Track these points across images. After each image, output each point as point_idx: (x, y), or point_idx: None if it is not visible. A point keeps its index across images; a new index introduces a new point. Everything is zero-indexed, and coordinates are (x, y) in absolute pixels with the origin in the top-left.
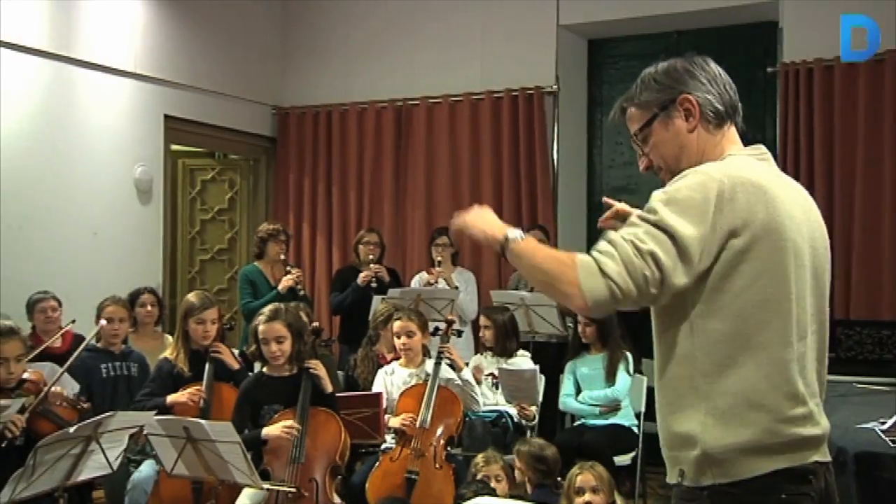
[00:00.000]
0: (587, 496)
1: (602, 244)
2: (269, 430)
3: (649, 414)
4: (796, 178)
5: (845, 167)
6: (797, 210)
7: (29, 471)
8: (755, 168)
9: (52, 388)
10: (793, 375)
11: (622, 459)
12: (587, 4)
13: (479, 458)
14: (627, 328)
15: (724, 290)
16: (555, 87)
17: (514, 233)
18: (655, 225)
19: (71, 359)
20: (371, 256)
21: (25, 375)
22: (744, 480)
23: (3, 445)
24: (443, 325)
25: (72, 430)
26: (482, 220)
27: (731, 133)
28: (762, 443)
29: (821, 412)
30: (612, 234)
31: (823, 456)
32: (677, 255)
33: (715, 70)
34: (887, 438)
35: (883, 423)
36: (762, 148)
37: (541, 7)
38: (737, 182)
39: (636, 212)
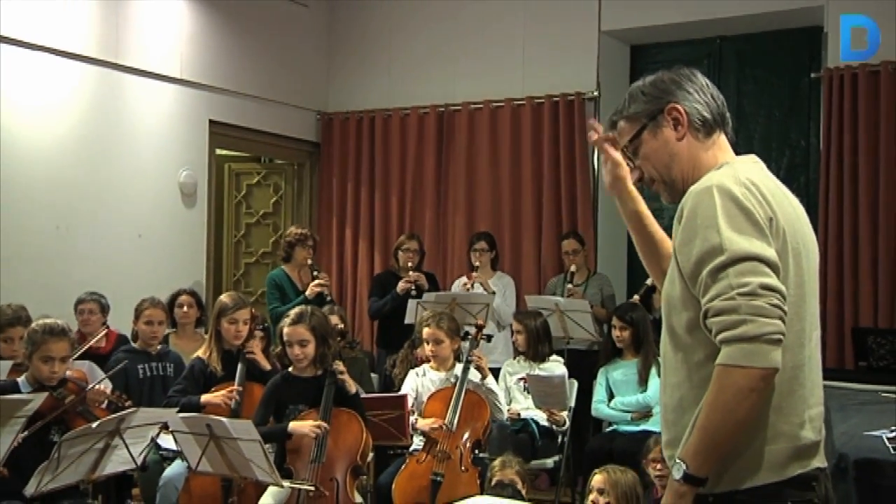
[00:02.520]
0: (593, 496)
1: (716, 323)
2: (298, 426)
3: None
4: (839, 183)
5: (890, 173)
6: (798, 213)
7: (54, 464)
8: (758, 174)
9: (96, 387)
10: (805, 378)
11: None
12: (629, 10)
13: (496, 462)
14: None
15: None
16: (596, 92)
17: (677, 469)
18: (734, 262)
19: (115, 369)
20: (410, 264)
21: (68, 374)
22: (754, 487)
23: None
24: (472, 330)
25: (94, 425)
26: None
27: (722, 141)
28: (778, 449)
29: (821, 416)
30: (716, 306)
31: (822, 462)
32: (770, 269)
33: (702, 81)
34: (891, 446)
35: (892, 431)
36: (755, 157)
37: (583, 13)
38: (752, 185)
39: (702, 272)
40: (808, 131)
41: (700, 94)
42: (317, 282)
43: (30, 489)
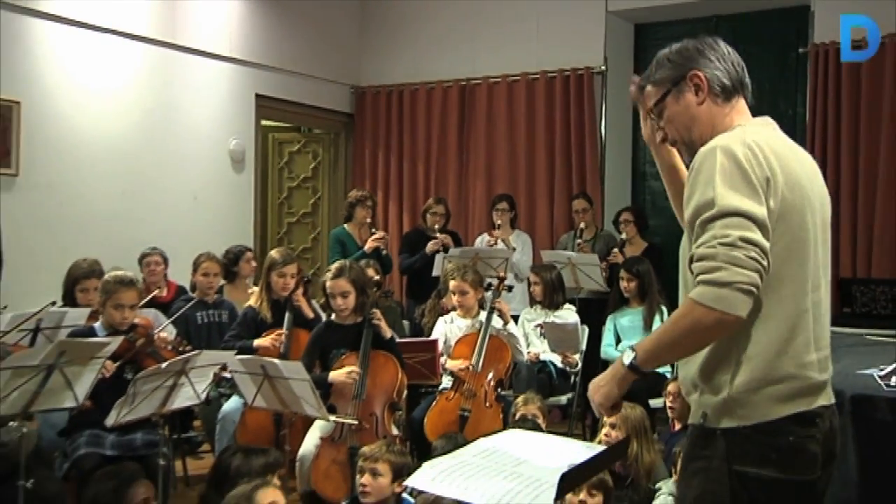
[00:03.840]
0: (605, 430)
1: (698, 266)
2: (335, 376)
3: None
4: (823, 149)
5: (870, 141)
6: (807, 170)
7: (130, 398)
8: (767, 134)
9: (160, 334)
10: (809, 323)
11: (656, 402)
12: None
13: (520, 398)
14: (663, 284)
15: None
16: (603, 67)
17: (627, 355)
18: (723, 215)
19: (177, 314)
20: (437, 226)
21: (136, 321)
22: (759, 423)
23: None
24: (494, 281)
25: (164, 365)
26: (600, 384)
27: (741, 105)
28: (783, 388)
29: (828, 357)
30: (699, 251)
31: (828, 399)
32: (756, 226)
33: (724, 49)
34: (882, 382)
35: (882, 370)
36: (769, 119)
37: None
38: (755, 146)
39: (696, 223)
40: (794, 102)
41: (721, 61)
42: (374, 237)
43: (110, 420)
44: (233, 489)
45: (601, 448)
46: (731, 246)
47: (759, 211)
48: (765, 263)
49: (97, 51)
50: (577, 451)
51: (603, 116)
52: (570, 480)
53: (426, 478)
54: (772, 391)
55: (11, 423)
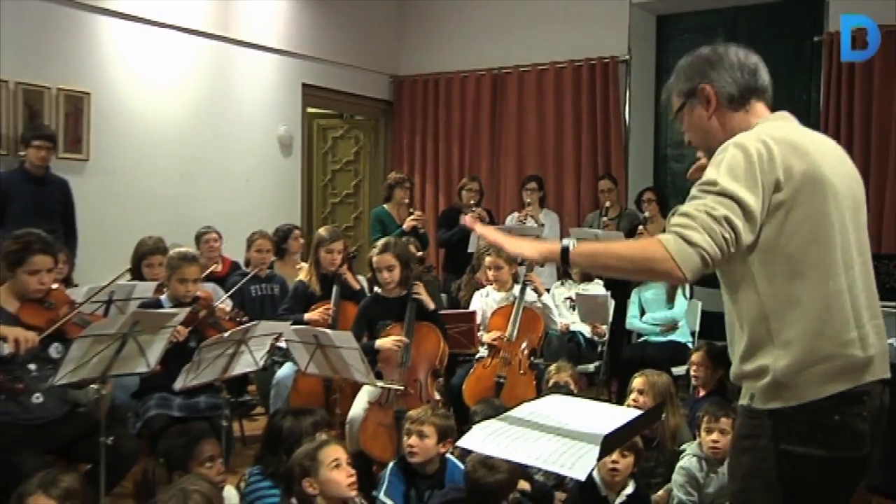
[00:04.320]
0: (634, 395)
1: (678, 219)
2: (383, 343)
3: (702, 333)
4: (836, 134)
5: (881, 125)
6: (830, 157)
7: (195, 365)
8: (783, 128)
9: (219, 305)
10: (846, 303)
11: (678, 370)
12: None
13: (552, 366)
14: None
15: (777, 239)
16: (627, 56)
17: (568, 241)
18: (720, 194)
19: (235, 287)
20: (472, 201)
21: (198, 293)
22: (804, 404)
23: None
24: None
25: (226, 334)
26: (526, 243)
27: (757, 108)
28: (826, 368)
29: (877, 333)
30: (684, 208)
31: (877, 375)
32: (744, 216)
33: (733, 58)
34: None
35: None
36: (786, 113)
37: None
38: (771, 142)
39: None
40: (809, 89)
41: (730, 72)
42: (412, 217)
43: (178, 384)
44: (285, 447)
45: (638, 412)
46: (714, 219)
47: (754, 203)
48: (731, 250)
49: (158, 45)
50: (616, 415)
51: (627, 102)
52: (612, 442)
53: (477, 439)
54: (814, 372)
55: (92, 387)
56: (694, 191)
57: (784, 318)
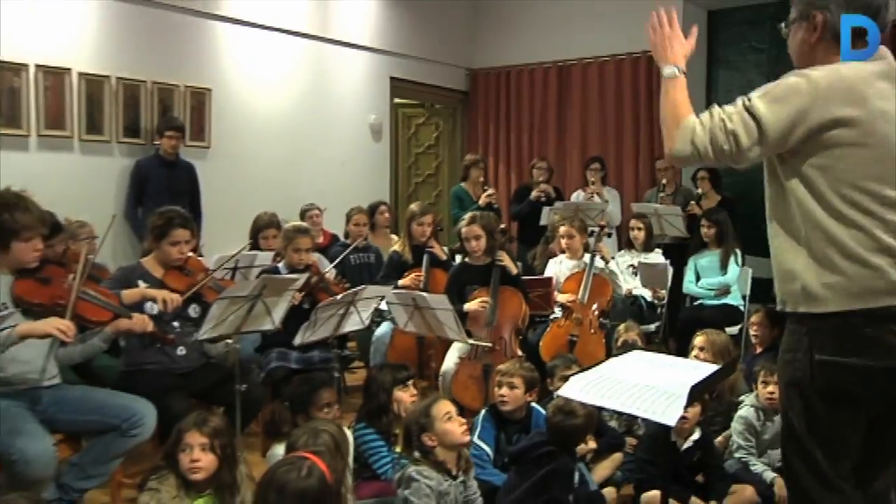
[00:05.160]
0: (695, 352)
1: (709, 113)
2: (470, 305)
3: (753, 296)
4: None
5: None
6: (891, 105)
7: (312, 323)
8: (854, 68)
9: (326, 272)
10: (878, 232)
11: (731, 330)
12: None
13: (621, 326)
14: (737, 230)
15: (819, 168)
16: None
17: (670, 70)
18: (747, 110)
19: (340, 257)
20: (542, 178)
21: (310, 262)
22: (830, 314)
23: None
24: (597, 229)
25: (339, 297)
26: (668, 44)
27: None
28: (847, 285)
29: None
30: (715, 108)
31: None
32: (758, 136)
33: None
34: None
35: None
36: (881, 52)
37: None
38: (831, 80)
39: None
40: None
41: (848, 6)
42: (486, 194)
43: (297, 340)
44: (381, 395)
45: (716, 367)
46: (724, 130)
47: (775, 122)
48: (729, 161)
49: (267, 46)
50: (693, 368)
51: None
52: (696, 393)
53: (575, 388)
54: (836, 286)
55: (227, 341)
56: (738, 98)
57: (825, 235)
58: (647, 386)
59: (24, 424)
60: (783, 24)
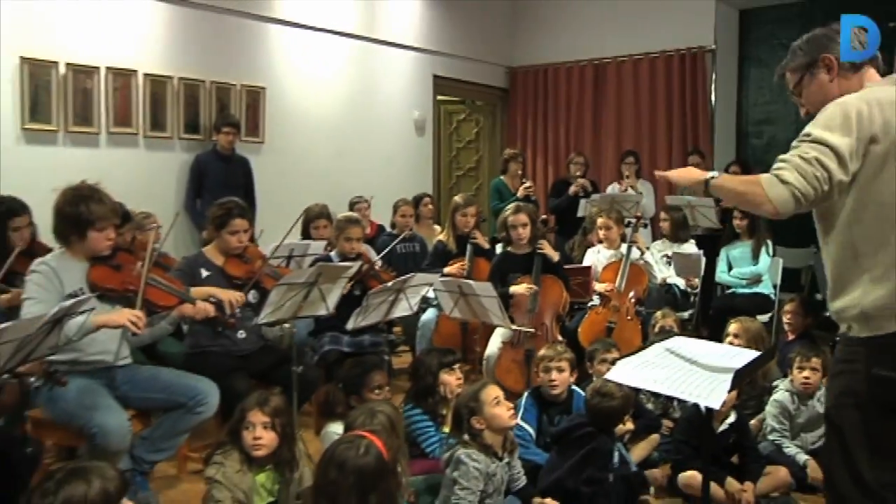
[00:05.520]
0: (730, 339)
1: (776, 164)
2: (516, 289)
3: (783, 286)
4: None
5: None
6: None
7: (364, 309)
8: (887, 90)
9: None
10: None
11: (762, 318)
12: None
13: (658, 313)
14: (767, 222)
15: (871, 185)
16: (713, 46)
17: (711, 173)
18: (813, 141)
19: (389, 247)
20: (578, 173)
21: (360, 251)
22: (890, 334)
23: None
24: (633, 220)
25: (389, 284)
26: (687, 174)
27: (869, 73)
28: None
29: None
30: (781, 156)
31: None
32: (836, 158)
33: (847, 33)
34: None
35: None
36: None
37: None
38: (870, 101)
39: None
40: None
41: (839, 43)
42: (524, 186)
43: (350, 325)
44: (427, 378)
45: (758, 353)
46: (805, 160)
47: (845, 146)
48: (826, 188)
49: (317, 47)
50: (733, 354)
51: (713, 86)
52: (740, 377)
53: (622, 372)
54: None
55: (285, 325)
56: (793, 143)
57: (875, 257)
58: (691, 370)
59: (103, 400)
60: (790, 92)
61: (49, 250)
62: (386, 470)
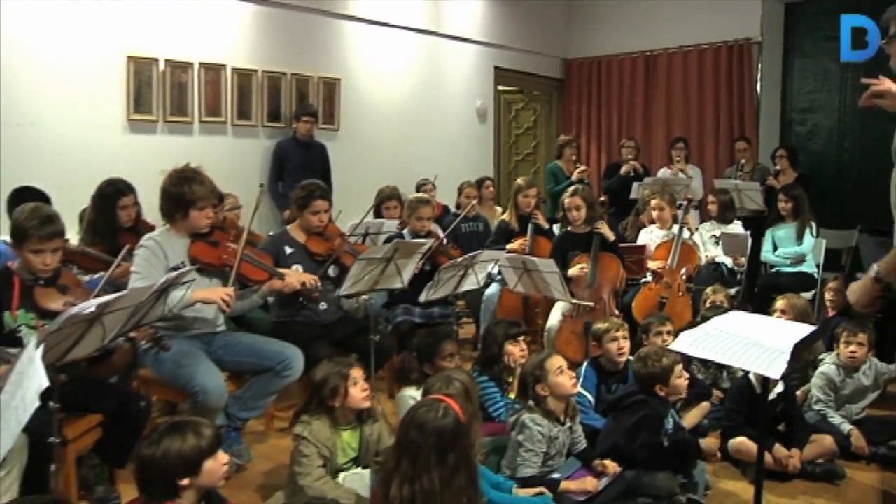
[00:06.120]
0: (777, 314)
1: None
2: (572, 271)
3: (826, 265)
4: None
5: None
6: None
7: (435, 283)
8: None
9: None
10: None
11: (805, 295)
12: None
13: (709, 289)
14: (811, 205)
15: None
16: (760, 38)
17: (872, 270)
18: None
19: (452, 225)
20: (630, 157)
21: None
22: None
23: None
24: (684, 202)
25: (459, 260)
26: (855, 290)
27: None
28: None
29: None
30: None
31: None
32: None
33: None
34: None
35: None
36: None
37: None
38: None
39: None
40: None
41: None
42: (579, 170)
43: (422, 297)
44: (493, 347)
45: (814, 328)
46: None
47: None
48: None
49: (387, 41)
50: (787, 329)
51: (759, 76)
52: (799, 349)
53: (684, 344)
54: None
55: (363, 298)
56: None
57: None
58: (751, 343)
59: (203, 362)
60: (884, 40)
61: (151, 228)
62: (463, 430)
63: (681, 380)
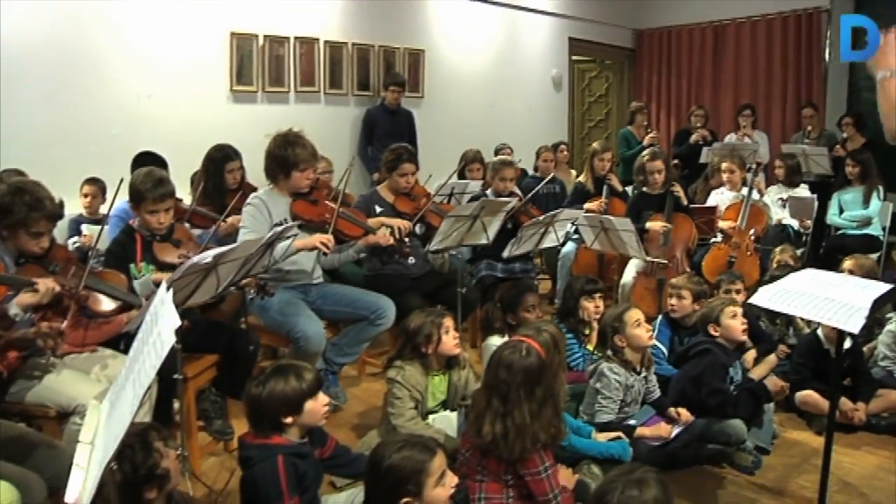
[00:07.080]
0: (845, 274)
1: None
2: (652, 225)
3: (893, 228)
4: None
5: None
6: None
7: (518, 240)
8: None
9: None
10: None
11: (872, 257)
12: None
13: (777, 249)
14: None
15: None
16: (828, 6)
17: (881, 74)
18: None
19: (534, 190)
20: (699, 123)
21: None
22: None
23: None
24: (754, 165)
25: (541, 218)
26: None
27: None
28: None
29: None
30: None
31: None
32: None
33: None
34: None
35: None
36: None
37: None
38: None
39: None
40: None
41: None
42: (650, 136)
43: (506, 253)
44: (570, 301)
45: (891, 285)
46: None
47: None
48: None
49: (468, 14)
50: (860, 285)
51: (827, 43)
52: (877, 305)
53: (763, 297)
54: None
55: (451, 252)
56: None
57: None
58: (827, 298)
59: (304, 311)
60: None
61: (254, 189)
62: (546, 366)
63: (734, 321)
